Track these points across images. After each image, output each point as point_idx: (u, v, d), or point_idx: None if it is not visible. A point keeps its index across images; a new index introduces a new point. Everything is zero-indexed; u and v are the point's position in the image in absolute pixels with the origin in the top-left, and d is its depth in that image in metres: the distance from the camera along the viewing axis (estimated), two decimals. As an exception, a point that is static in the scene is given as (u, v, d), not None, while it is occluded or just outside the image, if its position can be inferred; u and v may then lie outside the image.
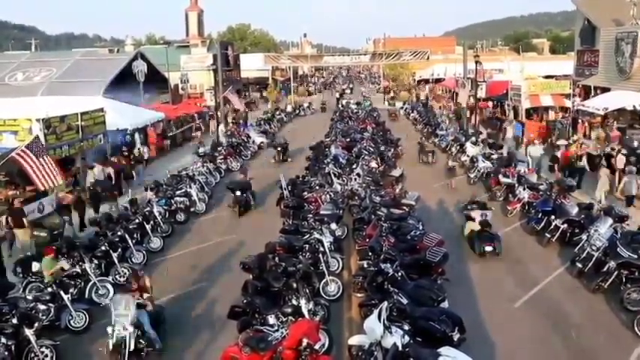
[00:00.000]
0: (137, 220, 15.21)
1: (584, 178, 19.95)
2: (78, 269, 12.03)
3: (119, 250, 13.43)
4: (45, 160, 16.77)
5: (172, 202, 17.88)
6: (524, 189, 17.53)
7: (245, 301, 10.24)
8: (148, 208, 16.18)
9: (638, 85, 25.05)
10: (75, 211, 17.20)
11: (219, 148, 27.14)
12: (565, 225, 14.38)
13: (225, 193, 19.69)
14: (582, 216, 14.48)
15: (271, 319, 9.54)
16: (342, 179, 20.06)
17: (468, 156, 24.04)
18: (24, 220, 15.10)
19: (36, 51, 52.45)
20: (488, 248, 13.99)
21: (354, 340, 9.35)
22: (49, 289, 10.97)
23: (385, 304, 9.09)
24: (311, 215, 15.05)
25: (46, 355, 9.46)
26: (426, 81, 64.10)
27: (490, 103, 39.06)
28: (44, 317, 10.34)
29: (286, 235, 13.68)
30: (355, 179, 19.59)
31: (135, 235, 14.59)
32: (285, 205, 17.03)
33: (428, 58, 52.40)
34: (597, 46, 30.47)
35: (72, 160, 21.04)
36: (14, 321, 9.48)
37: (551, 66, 52.81)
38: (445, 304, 10.28)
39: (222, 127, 33.49)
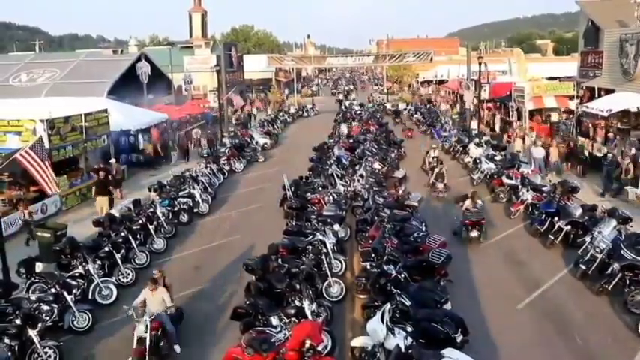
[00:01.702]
0: (140, 221, 15.22)
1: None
2: (81, 269, 12.07)
3: (122, 250, 13.44)
4: (46, 164, 16.86)
5: (176, 203, 17.90)
6: (527, 190, 17.50)
7: (248, 302, 10.26)
8: (152, 209, 16.19)
9: (643, 87, 24.91)
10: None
11: (222, 150, 27.17)
12: (568, 227, 14.34)
13: (229, 193, 19.38)
14: (586, 218, 14.44)
15: (274, 320, 9.56)
16: (346, 180, 20.07)
17: (471, 157, 24.01)
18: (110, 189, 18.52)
19: (40, 52, 52.72)
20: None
21: (357, 342, 9.36)
22: (53, 290, 10.98)
23: (388, 305, 9.10)
24: (314, 216, 15.02)
25: (50, 356, 9.49)
26: (429, 82, 63.99)
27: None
28: (48, 318, 10.36)
29: (289, 236, 13.70)
30: (358, 180, 19.58)
31: (138, 236, 14.62)
32: (288, 206, 17.04)
33: (431, 59, 52.29)
34: (601, 47, 30.26)
35: (76, 161, 21.11)
36: (18, 321, 9.49)
37: (555, 67, 52.59)
38: (448, 306, 10.29)
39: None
